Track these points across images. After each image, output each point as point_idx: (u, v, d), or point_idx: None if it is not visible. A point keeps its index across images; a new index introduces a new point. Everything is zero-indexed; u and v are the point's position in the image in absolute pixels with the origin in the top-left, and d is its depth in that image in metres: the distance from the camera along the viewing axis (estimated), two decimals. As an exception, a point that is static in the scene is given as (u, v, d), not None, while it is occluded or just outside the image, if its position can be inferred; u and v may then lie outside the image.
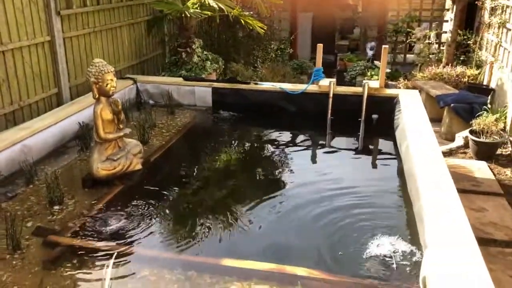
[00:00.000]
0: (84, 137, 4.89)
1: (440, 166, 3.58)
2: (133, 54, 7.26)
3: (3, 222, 3.31)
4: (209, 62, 7.13)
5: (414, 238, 3.21)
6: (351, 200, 3.86)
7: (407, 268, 2.92)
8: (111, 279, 2.54)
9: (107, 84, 3.96)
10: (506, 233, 4.23)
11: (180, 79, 6.41)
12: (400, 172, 4.31)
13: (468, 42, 8.46)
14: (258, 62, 9.16)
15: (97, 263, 3.02)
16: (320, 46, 5.92)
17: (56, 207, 3.67)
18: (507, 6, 7.10)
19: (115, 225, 3.44)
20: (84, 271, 2.94)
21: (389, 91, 5.84)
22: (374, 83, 5.82)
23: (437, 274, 2.38)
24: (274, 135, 5.71)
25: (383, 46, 5.72)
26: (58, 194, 3.74)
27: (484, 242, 4.14)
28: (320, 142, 5.68)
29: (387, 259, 3.01)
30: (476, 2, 8.32)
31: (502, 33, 7.32)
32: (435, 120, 6.79)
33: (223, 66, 7.68)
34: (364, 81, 5.86)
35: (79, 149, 4.80)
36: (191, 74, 6.83)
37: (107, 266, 2.30)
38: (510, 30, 6.91)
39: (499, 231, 4.27)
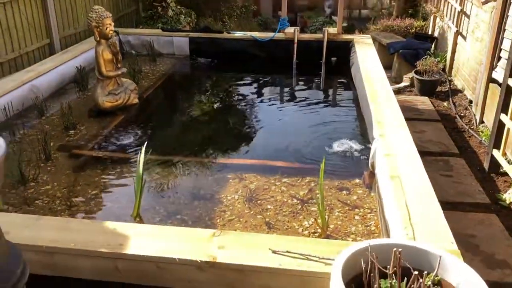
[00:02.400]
0: (81, 79, 5.50)
1: (385, 85, 4.49)
2: (111, 9, 7.73)
3: (30, 143, 4.00)
4: (182, 16, 7.75)
5: (365, 140, 4.13)
6: (317, 119, 4.76)
7: (361, 157, 3.85)
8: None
9: (106, 28, 4.61)
10: (439, 147, 5.23)
11: (159, 30, 7.03)
12: (356, 99, 5.22)
13: (416, -5, 9.39)
14: (225, 17, 9.79)
15: (117, 166, 3.79)
16: (284, -1, 6.68)
17: (71, 131, 4.37)
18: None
19: (125, 141, 4.20)
20: (109, 171, 3.71)
21: (346, 36, 6.69)
22: (332, 30, 6.65)
23: (379, 157, 3.28)
24: (246, 77, 6.51)
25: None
26: (71, 122, 4.43)
27: (422, 154, 5.15)
28: (287, 82, 6.52)
29: (346, 153, 3.93)
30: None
31: (443, -14, 8.26)
32: (386, 67, 7.71)
33: (195, 20, 8.30)
34: (324, 28, 6.68)
35: (77, 90, 5.44)
36: (167, 27, 7.44)
37: (139, 158, 3.06)
38: (449, -17, 7.84)
39: (434, 146, 5.27)
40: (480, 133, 5.52)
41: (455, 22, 7.26)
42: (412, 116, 6.18)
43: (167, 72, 6.32)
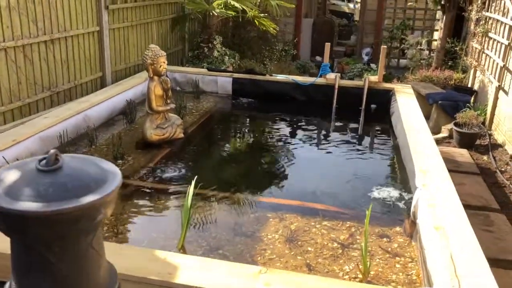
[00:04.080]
0: (130, 112, 5.76)
1: (426, 136, 4.54)
2: (159, 47, 8.14)
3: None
4: (227, 57, 8.07)
5: (406, 189, 4.15)
6: (356, 166, 4.81)
7: (400, 205, 3.87)
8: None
9: (160, 66, 4.87)
10: (479, 201, 5.18)
11: (204, 70, 7.33)
12: (395, 148, 5.26)
13: (455, 49, 9.48)
14: (266, 60, 10.11)
15: (163, 197, 3.92)
16: (327, 45, 6.88)
17: (119, 161, 4.56)
18: (489, 18, 8.12)
19: (171, 174, 4.35)
20: (154, 202, 3.85)
21: (386, 85, 6.80)
22: (373, 78, 6.79)
23: (422, 207, 3.31)
24: (286, 119, 6.66)
25: (382, 46, 6.69)
26: (120, 152, 4.63)
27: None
28: (326, 126, 6.64)
29: (386, 200, 3.95)
30: (463, 14, 9.34)
31: (484, 41, 8.34)
32: (424, 117, 7.78)
33: (238, 61, 8.62)
34: (365, 76, 6.83)
35: (125, 122, 5.69)
36: (212, 66, 7.75)
37: (188, 190, 3.19)
38: (491, 38, 7.92)
39: (474, 199, 5.22)
40: (522, 189, 5.44)
41: (496, 77, 7.28)
42: (450, 167, 6.12)
43: (211, 109, 6.55)
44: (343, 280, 2.77)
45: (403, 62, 11.89)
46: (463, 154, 6.71)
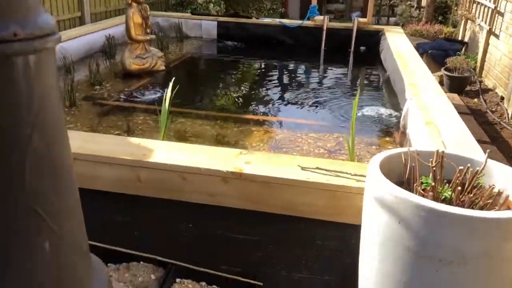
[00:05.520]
0: (109, 49, 5.52)
1: (417, 60, 4.38)
2: (141, -4, 7.86)
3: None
4: (212, 4, 7.80)
5: (396, 109, 4.00)
6: (349, 95, 4.65)
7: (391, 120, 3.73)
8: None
9: (139, -10, 4.63)
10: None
11: (188, 14, 7.07)
12: (386, 80, 5.10)
13: (446, 0, 9.30)
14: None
15: (141, 115, 3.73)
16: (315, -14, 6.66)
17: (97, 87, 4.35)
18: (481, -36, 7.92)
19: (149, 97, 4.15)
20: (131, 118, 3.65)
21: (376, 26, 6.61)
22: (362, 19, 6.58)
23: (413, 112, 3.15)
24: (273, 62, 6.45)
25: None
26: (98, 79, 4.41)
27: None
28: (315, 68, 6.45)
29: (376, 117, 3.81)
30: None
31: (475, -11, 8.16)
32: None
33: (224, 10, 8.35)
34: (353, 16, 6.62)
35: (105, 58, 5.45)
36: (196, 11, 7.49)
37: (166, 91, 3.00)
38: (482, -15, 7.75)
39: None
40: (513, 125, 5.34)
41: (488, 22, 7.12)
42: (440, 108, 6.04)
43: (195, 49, 6.33)
44: (327, 159, 2.62)
45: (392, 20, 11.69)
46: (453, 98, 6.55)
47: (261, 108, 4.22)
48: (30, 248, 0.90)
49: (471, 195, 1.51)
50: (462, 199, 1.52)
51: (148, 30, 4.84)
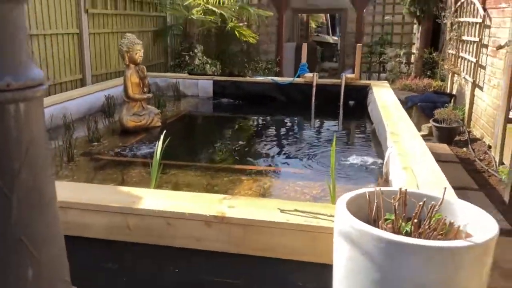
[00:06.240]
0: (108, 108, 5.78)
1: (399, 109, 4.59)
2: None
3: (54, 149, 4.18)
4: (208, 65, 8.20)
5: (380, 157, 4.16)
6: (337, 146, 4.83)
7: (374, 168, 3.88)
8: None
9: (136, 53, 4.94)
10: (459, 183, 5.21)
11: (185, 74, 7.43)
12: (372, 131, 5.30)
13: (433, 58, 9.72)
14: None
15: (136, 168, 3.89)
16: (304, 45, 7.04)
17: (95, 143, 4.54)
18: (462, 22, 8.39)
19: (145, 151, 4.34)
20: (126, 171, 3.81)
21: (363, 82, 6.92)
22: (350, 75, 6.91)
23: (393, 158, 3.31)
24: (267, 117, 6.70)
25: (357, 44, 6.85)
26: (96, 135, 4.62)
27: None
28: (307, 121, 6.69)
29: (360, 165, 3.97)
30: (438, 21, 9.62)
31: (459, 45, 8.58)
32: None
33: (220, 71, 8.74)
34: (342, 74, 6.95)
35: (104, 117, 5.69)
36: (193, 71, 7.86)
37: (157, 143, 3.17)
38: (464, 41, 8.16)
39: (453, 182, 5.21)
40: (500, 173, 5.47)
41: (471, 75, 7.45)
42: (430, 158, 6.21)
43: (191, 107, 6.61)
44: (303, 202, 2.74)
45: (383, 76, 12.11)
46: (443, 147, 6.77)
47: (252, 160, 4.39)
48: (14, 275, 1.01)
49: (427, 228, 1.64)
50: (420, 231, 1.65)
51: (146, 89, 5.11)
